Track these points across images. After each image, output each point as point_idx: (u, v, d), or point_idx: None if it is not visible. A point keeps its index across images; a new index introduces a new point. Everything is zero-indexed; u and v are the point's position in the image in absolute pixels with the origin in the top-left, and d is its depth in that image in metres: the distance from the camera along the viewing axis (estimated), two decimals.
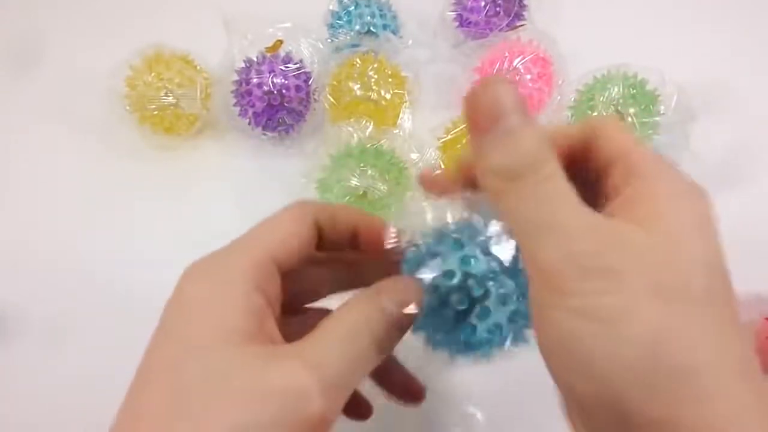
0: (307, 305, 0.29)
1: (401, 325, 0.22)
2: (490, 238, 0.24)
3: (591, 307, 0.17)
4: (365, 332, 0.21)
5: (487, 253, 0.24)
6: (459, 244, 0.24)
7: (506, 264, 0.24)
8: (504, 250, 0.24)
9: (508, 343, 0.24)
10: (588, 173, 0.23)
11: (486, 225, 0.25)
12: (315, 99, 0.53)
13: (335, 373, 0.19)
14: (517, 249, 0.24)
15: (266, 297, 0.21)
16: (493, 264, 0.24)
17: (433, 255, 0.24)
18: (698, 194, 0.20)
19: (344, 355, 0.20)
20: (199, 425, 0.17)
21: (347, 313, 0.21)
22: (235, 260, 0.21)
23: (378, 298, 0.22)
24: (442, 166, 0.48)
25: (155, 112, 0.51)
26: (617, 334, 0.17)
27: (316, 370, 0.19)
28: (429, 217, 0.27)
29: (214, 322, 0.19)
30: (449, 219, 0.26)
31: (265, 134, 0.53)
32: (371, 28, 0.55)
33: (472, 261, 0.23)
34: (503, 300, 0.23)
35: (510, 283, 0.24)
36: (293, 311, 0.27)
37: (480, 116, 0.19)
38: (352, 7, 0.56)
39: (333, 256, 0.27)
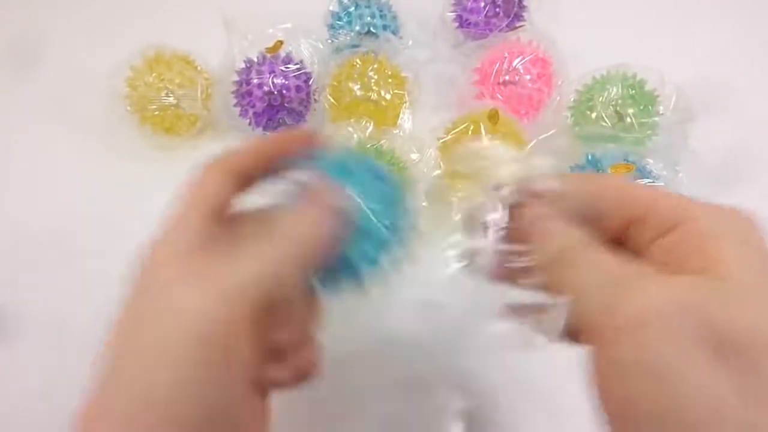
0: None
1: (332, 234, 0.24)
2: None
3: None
4: (291, 251, 0.23)
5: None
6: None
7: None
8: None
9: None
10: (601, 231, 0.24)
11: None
12: (315, 99, 0.53)
13: (245, 298, 0.21)
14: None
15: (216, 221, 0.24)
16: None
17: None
18: (747, 225, 0.20)
19: (263, 273, 0.22)
20: (135, 340, 0.21)
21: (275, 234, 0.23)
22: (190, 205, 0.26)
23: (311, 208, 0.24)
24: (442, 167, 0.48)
25: (156, 113, 0.51)
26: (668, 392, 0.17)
27: (224, 294, 0.21)
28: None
29: (170, 244, 0.23)
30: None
31: (265, 134, 0.53)
32: (371, 29, 0.55)
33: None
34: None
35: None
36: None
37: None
38: (352, 8, 0.56)
39: None
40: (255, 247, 0.23)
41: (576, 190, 0.25)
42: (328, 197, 0.25)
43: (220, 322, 0.20)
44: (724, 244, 0.19)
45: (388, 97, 0.51)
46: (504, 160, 0.26)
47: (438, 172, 0.48)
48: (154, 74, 0.50)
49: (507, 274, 0.24)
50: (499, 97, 0.52)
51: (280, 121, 0.51)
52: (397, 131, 0.51)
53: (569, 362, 0.23)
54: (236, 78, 0.51)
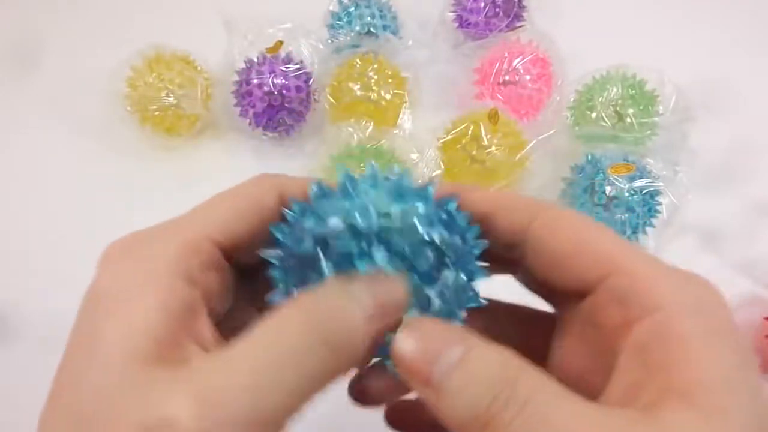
0: None
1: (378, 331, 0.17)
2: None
3: None
4: (304, 354, 0.15)
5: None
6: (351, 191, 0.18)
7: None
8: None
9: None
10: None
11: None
12: (315, 99, 0.53)
13: (233, 411, 0.14)
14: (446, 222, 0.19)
15: (200, 287, 0.17)
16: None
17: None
18: (723, 314, 0.16)
19: (257, 388, 0.14)
20: None
21: (286, 324, 0.16)
22: (162, 243, 0.18)
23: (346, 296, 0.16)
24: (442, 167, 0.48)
25: (156, 113, 0.51)
26: None
27: (204, 405, 0.14)
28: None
29: (123, 330, 0.16)
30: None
31: (265, 134, 0.53)
32: (371, 29, 0.55)
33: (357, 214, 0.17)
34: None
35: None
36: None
37: (413, 365, 0.16)
38: (352, 8, 0.56)
39: None
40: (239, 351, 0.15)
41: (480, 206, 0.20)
42: (385, 286, 0.17)
43: None
44: (707, 356, 0.15)
45: (388, 97, 0.51)
46: None
47: (438, 172, 0.48)
48: (154, 74, 0.50)
49: None
50: (499, 97, 0.52)
51: (280, 121, 0.51)
52: (397, 131, 0.51)
53: None
54: (236, 78, 0.51)
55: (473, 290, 0.20)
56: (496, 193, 0.20)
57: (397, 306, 0.17)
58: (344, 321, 0.16)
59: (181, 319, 0.16)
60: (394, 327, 0.17)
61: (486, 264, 0.19)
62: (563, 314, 0.20)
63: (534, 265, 0.19)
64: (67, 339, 0.17)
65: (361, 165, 0.45)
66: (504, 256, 0.20)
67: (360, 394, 0.22)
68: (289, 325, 0.16)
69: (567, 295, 0.19)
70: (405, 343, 0.16)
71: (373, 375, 0.21)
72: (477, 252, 0.19)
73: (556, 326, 0.20)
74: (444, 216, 0.19)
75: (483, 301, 0.20)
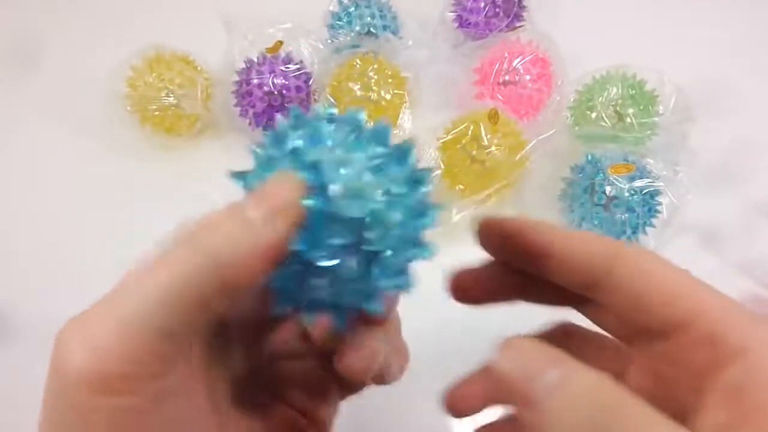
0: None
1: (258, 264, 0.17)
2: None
3: None
4: (187, 272, 0.16)
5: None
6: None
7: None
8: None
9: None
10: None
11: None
12: (315, 99, 0.53)
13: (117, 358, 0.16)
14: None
15: None
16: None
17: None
18: None
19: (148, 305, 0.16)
20: None
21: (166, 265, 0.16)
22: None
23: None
24: (442, 166, 0.48)
25: (156, 113, 0.51)
26: None
27: (89, 339, 0.16)
28: None
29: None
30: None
31: (265, 135, 0.53)
32: (371, 29, 0.55)
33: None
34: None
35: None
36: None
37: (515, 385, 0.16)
38: (352, 8, 0.56)
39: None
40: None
41: (571, 254, 0.19)
42: (275, 190, 0.18)
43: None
44: None
45: (388, 97, 0.51)
46: None
47: (438, 172, 0.48)
48: (154, 74, 0.50)
49: None
50: (499, 97, 0.52)
51: None
52: (397, 131, 0.51)
53: None
54: (236, 78, 0.51)
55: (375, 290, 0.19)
56: (569, 232, 0.20)
57: (290, 207, 0.17)
58: (225, 230, 0.16)
59: None
60: (293, 230, 0.17)
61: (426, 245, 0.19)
62: (635, 349, 0.20)
63: (613, 304, 0.19)
64: None
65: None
66: (573, 292, 0.20)
67: (455, 401, 0.21)
68: (174, 248, 0.16)
69: (644, 333, 0.19)
70: (505, 361, 0.16)
71: (469, 382, 0.21)
72: (422, 228, 0.19)
73: (625, 358, 0.20)
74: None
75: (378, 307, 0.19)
